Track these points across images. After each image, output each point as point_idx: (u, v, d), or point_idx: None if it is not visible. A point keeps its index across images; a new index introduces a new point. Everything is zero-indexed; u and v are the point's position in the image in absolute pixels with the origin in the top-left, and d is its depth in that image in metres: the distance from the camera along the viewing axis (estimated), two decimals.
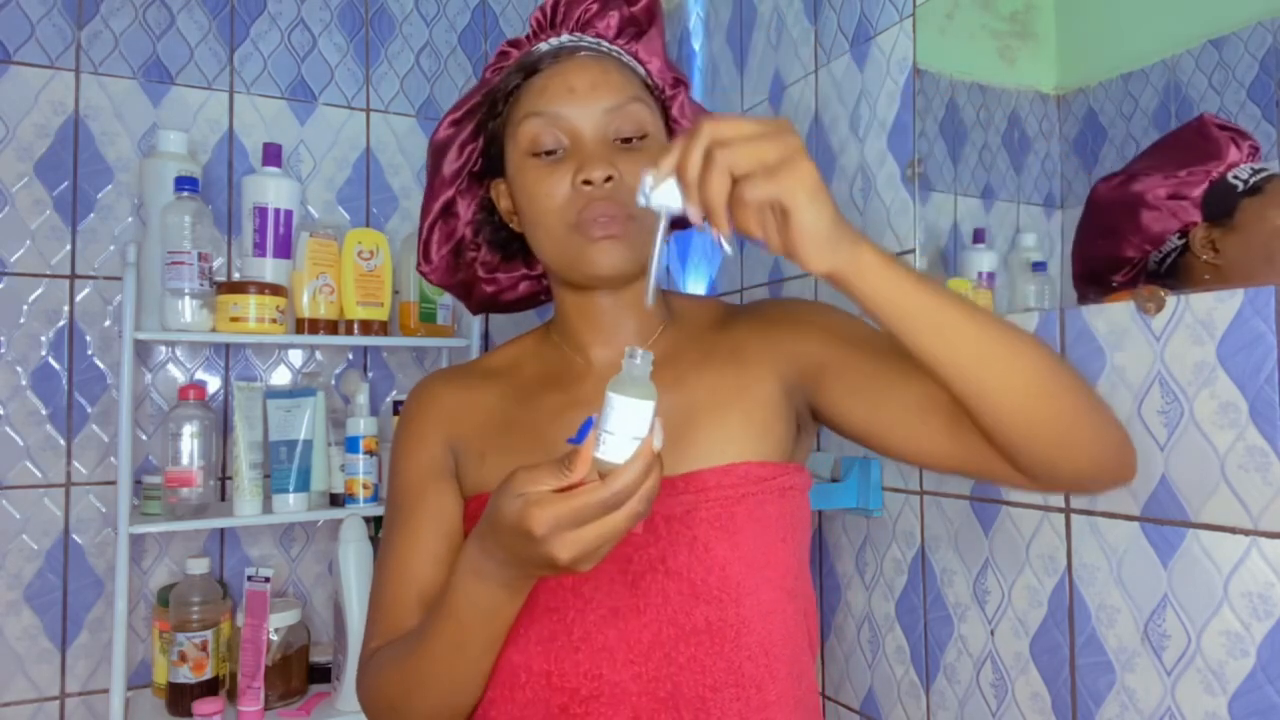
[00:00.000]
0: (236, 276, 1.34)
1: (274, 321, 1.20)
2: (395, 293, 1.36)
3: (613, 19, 0.76)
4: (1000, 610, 0.85)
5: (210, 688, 1.17)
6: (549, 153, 0.71)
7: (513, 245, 0.83)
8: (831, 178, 1.12)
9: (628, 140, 0.71)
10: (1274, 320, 0.63)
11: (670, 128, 0.80)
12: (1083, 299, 0.82)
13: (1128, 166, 0.80)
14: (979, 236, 0.94)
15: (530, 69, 0.74)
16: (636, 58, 0.78)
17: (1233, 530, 0.65)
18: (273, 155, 1.26)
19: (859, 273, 0.53)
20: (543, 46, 0.75)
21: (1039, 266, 0.87)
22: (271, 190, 1.24)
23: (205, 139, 1.35)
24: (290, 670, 1.20)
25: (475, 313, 0.92)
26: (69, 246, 1.27)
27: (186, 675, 1.15)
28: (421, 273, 0.84)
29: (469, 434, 0.76)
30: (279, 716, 1.16)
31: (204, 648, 1.16)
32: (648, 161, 0.68)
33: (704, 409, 0.72)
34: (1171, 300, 0.70)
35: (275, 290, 1.20)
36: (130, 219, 1.30)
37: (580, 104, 0.70)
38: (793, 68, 1.21)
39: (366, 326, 1.28)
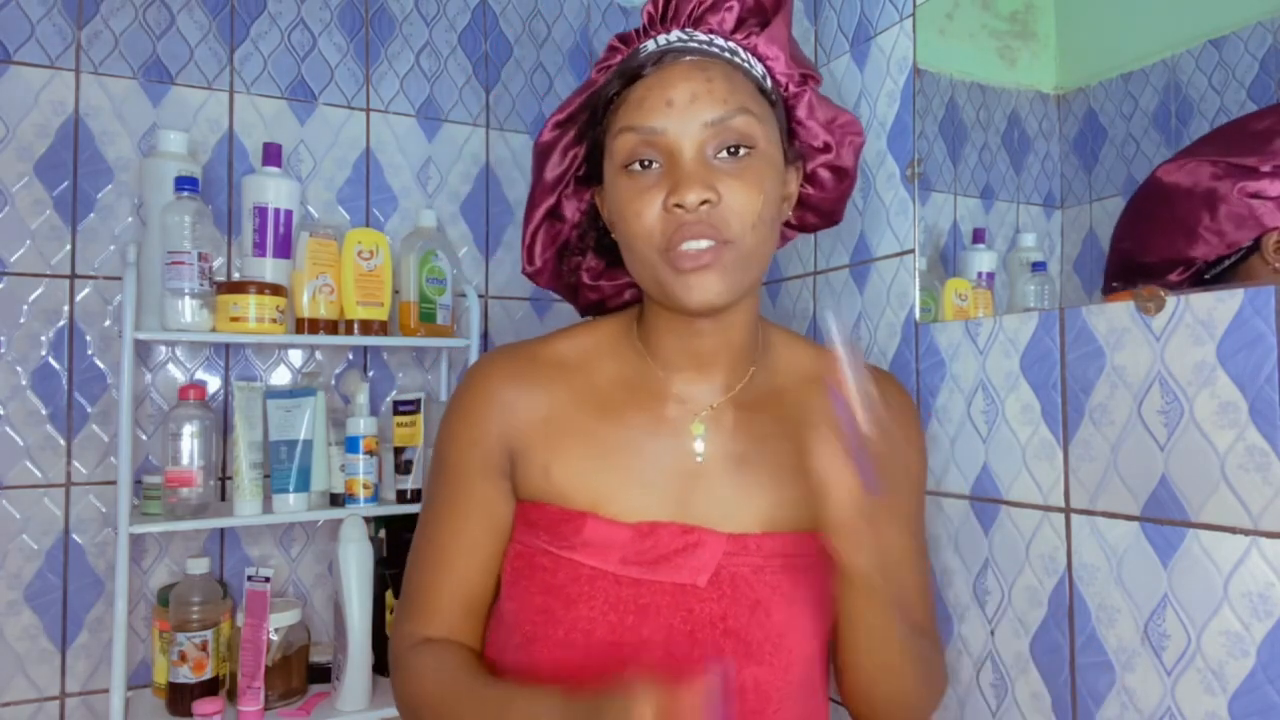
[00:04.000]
0: (236, 276, 1.34)
1: (274, 321, 1.19)
2: (395, 293, 1.36)
3: (730, 12, 0.70)
4: (1000, 610, 0.85)
5: (210, 688, 1.16)
6: (644, 166, 0.65)
7: (617, 251, 0.76)
8: None
9: (734, 152, 0.65)
10: (1274, 320, 0.63)
11: (794, 129, 0.74)
12: (1109, 291, 0.77)
13: (1198, 149, 0.72)
14: (979, 236, 0.94)
15: (631, 75, 0.68)
16: (756, 53, 0.70)
17: (1233, 530, 0.65)
18: (273, 155, 1.26)
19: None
20: (649, 46, 0.69)
21: (1039, 266, 0.87)
22: (271, 190, 1.24)
23: (205, 139, 1.35)
24: (290, 670, 1.20)
25: (583, 314, 0.87)
26: (69, 246, 1.27)
27: (186, 675, 1.15)
28: (527, 274, 0.80)
29: (532, 435, 0.72)
30: (279, 716, 1.16)
31: (204, 648, 1.16)
32: (752, 179, 0.65)
33: (782, 471, 0.70)
34: (1171, 300, 0.70)
35: (275, 290, 1.20)
36: (130, 219, 1.30)
37: (678, 118, 0.64)
38: None
39: (366, 326, 1.28)
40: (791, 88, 0.72)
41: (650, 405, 0.72)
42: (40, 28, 1.26)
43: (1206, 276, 0.71)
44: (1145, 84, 0.78)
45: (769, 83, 0.71)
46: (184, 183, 1.17)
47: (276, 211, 1.24)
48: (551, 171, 0.75)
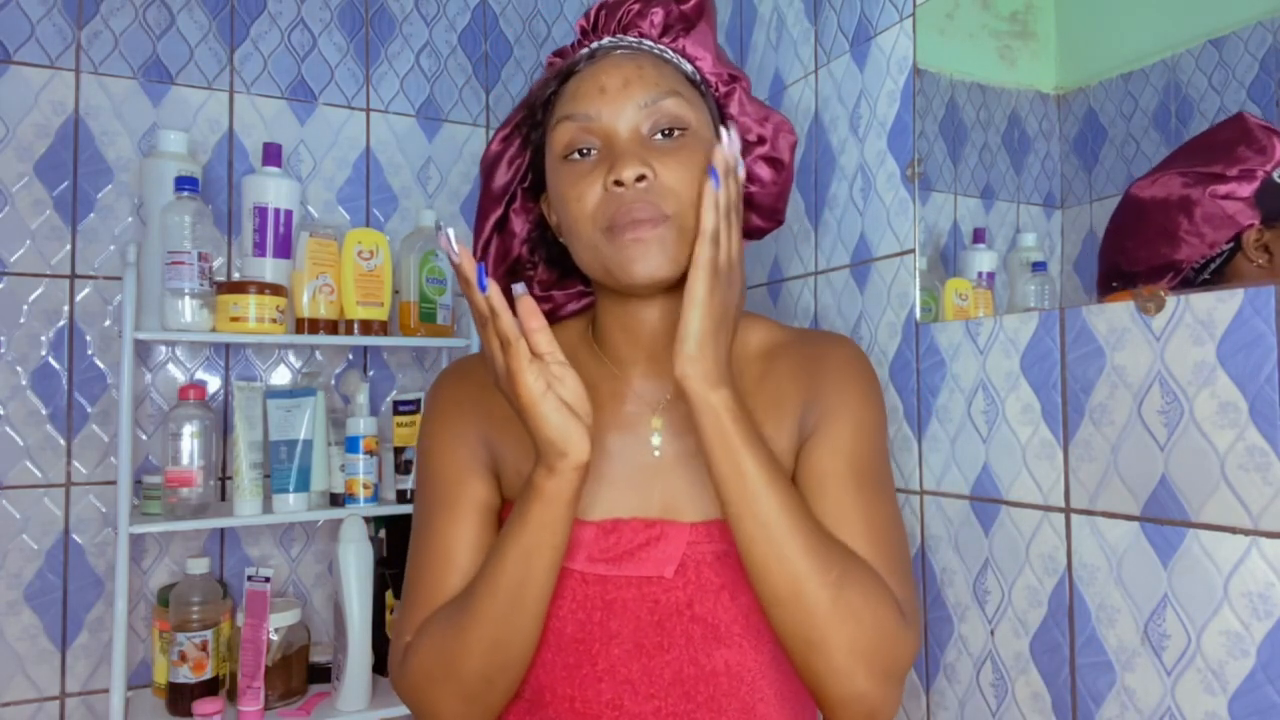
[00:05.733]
0: (236, 276, 1.34)
1: (274, 321, 1.20)
2: (395, 293, 1.36)
3: (656, 17, 0.74)
4: (1000, 610, 0.85)
5: (210, 688, 1.17)
6: (583, 155, 0.68)
7: (568, 261, 0.80)
8: (831, 178, 1.13)
9: (669, 134, 0.68)
10: (1274, 320, 0.63)
11: (726, 124, 0.76)
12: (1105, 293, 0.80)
13: (1167, 165, 0.76)
14: (979, 236, 0.94)
15: (566, 74, 0.72)
16: (684, 54, 0.75)
17: (1233, 530, 0.65)
18: (273, 155, 1.26)
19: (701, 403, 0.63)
20: (583, 51, 0.74)
21: (1039, 266, 0.87)
22: (271, 190, 1.24)
23: (205, 139, 1.35)
24: (290, 670, 1.20)
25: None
26: (69, 246, 1.27)
27: (186, 675, 1.15)
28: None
29: (505, 437, 0.74)
30: (279, 716, 1.16)
31: (204, 648, 1.16)
32: (687, 158, 0.68)
33: None
34: (1171, 300, 0.70)
35: (275, 290, 1.20)
36: (130, 219, 1.30)
37: (612, 102, 0.68)
38: (793, 68, 1.21)
39: (366, 326, 1.28)
40: (721, 86, 0.77)
41: (608, 404, 0.74)
42: (40, 28, 1.26)
43: (1196, 281, 0.73)
44: (1145, 84, 0.78)
45: (698, 77, 0.75)
46: (184, 183, 1.17)
47: (276, 211, 1.24)
48: (498, 181, 0.78)
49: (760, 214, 0.83)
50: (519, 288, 0.62)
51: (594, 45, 0.74)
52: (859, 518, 0.67)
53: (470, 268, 0.59)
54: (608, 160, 0.67)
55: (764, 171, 0.80)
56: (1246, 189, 0.70)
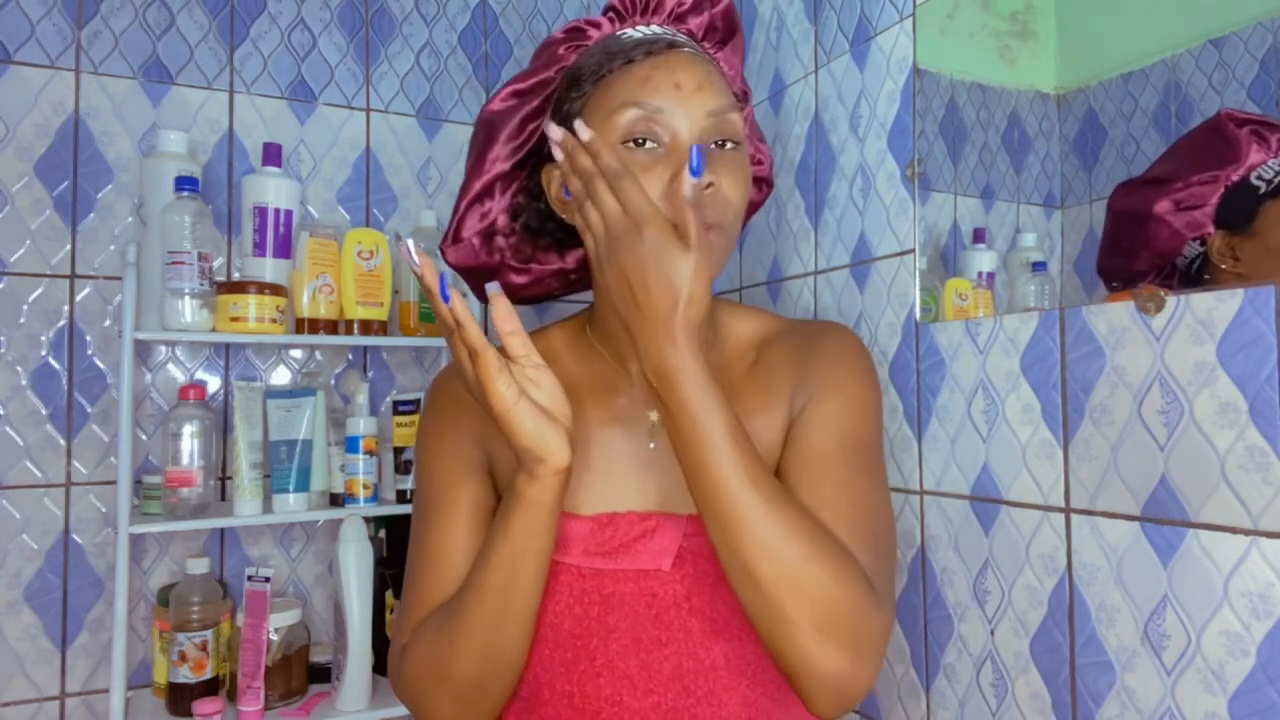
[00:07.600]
0: (236, 276, 1.34)
1: (274, 321, 1.20)
2: (395, 292, 1.36)
3: (704, 18, 0.74)
4: (1000, 610, 0.85)
5: (210, 688, 1.17)
6: (637, 144, 0.67)
7: (549, 236, 0.79)
8: (831, 178, 1.13)
9: (721, 145, 0.69)
10: (1274, 320, 0.63)
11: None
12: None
13: (1147, 171, 0.76)
14: (979, 236, 0.94)
15: (626, 56, 0.70)
16: (719, 67, 0.75)
17: (1233, 530, 0.65)
18: (273, 155, 1.26)
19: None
20: (634, 34, 0.72)
21: (1039, 266, 0.87)
22: (271, 190, 1.24)
23: (205, 139, 1.35)
24: (290, 670, 1.20)
25: (486, 302, 0.88)
26: (69, 246, 1.27)
27: (186, 675, 1.15)
28: (442, 250, 0.79)
29: (499, 439, 0.73)
30: (279, 716, 1.16)
31: (204, 648, 1.16)
32: (739, 172, 0.69)
33: None
34: (1171, 300, 0.70)
35: (275, 290, 1.20)
36: (130, 219, 1.30)
37: (685, 103, 0.67)
38: (793, 68, 1.21)
39: (366, 326, 1.28)
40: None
41: (605, 398, 0.74)
42: (40, 28, 1.26)
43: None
44: (1145, 84, 0.78)
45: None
46: (184, 183, 1.17)
47: (276, 211, 1.24)
48: (506, 143, 0.74)
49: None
50: (493, 287, 0.61)
51: (651, 33, 0.71)
52: (838, 492, 0.66)
53: (432, 279, 0.58)
54: (674, 160, 0.66)
55: (753, 189, 0.81)
56: (1200, 195, 0.71)
